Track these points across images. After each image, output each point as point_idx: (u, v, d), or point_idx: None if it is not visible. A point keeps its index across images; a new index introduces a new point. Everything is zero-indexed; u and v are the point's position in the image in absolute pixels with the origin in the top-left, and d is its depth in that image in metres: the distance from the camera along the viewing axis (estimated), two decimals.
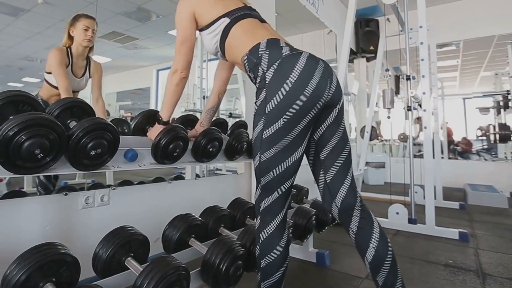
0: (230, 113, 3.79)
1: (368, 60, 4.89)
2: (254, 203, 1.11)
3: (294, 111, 0.92)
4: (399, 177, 2.95)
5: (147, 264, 0.95)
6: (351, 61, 4.82)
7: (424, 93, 2.59)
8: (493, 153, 5.69)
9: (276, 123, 0.93)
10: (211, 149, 1.34)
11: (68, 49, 1.88)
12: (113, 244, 1.00)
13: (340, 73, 2.67)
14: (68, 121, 0.96)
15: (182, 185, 1.93)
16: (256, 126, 0.99)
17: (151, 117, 1.24)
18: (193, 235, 1.25)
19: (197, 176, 2.21)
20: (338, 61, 2.87)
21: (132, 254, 1.03)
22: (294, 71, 0.92)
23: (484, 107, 5.43)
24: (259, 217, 1.05)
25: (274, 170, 0.97)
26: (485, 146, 6.27)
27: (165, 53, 6.90)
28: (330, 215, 1.81)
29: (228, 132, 1.63)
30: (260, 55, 0.99)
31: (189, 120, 1.49)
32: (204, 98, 3.65)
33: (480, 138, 6.12)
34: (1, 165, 0.77)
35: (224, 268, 1.08)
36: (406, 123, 2.82)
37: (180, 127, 1.17)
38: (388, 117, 3.29)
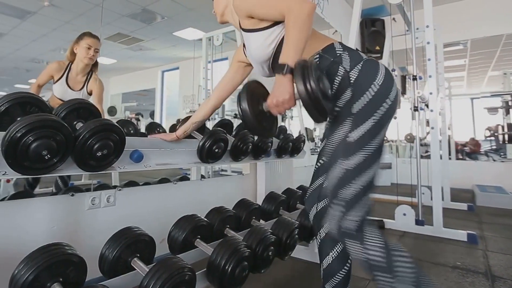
0: (235, 114, 3.79)
1: None
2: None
3: (381, 112, 0.89)
4: (406, 178, 2.92)
5: (153, 264, 0.95)
6: None
7: (431, 93, 2.57)
8: (501, 153, 5.60)
9: (365, 123, 0.88)
10: (216, 150, 1.34)
11: (70, 63, 1.96)
12: (119, 245, 1.00)
13: None
14: (75, 123, 0.96)
15: (187, 186, 1.93)
16: (336, 129, 0.93)
17: (255, 92, 0.91)
18: (199, 236, 1.25)
19: (203, 177, 2.21)
20: None
21: (138, 255, 1.03)
22: (379, 75, 0.90)
23: (493, 107, 5.35)
24: (367, 236, 0.88)
25: (362, 178, 0.88)
26: (494, 147, 6.18)
27: (170, 54, 6.94)
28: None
29: (233, 133, 1.63)
30: (338, 54, 0.95)
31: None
32: None
33: (488, 138, 6.04)
34: (9, 166, 0.77)
35: (229, 269, 1.07)
36: (413, 124, 2.79)
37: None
38: (395, 118, 3.26)
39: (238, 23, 1.04)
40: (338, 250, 1.07)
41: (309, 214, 1.13)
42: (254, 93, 0.90)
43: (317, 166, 1.12)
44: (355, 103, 0.90)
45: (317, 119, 0.85)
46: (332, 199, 0.91)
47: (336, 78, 0.93)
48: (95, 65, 2.04)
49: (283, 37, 0.96)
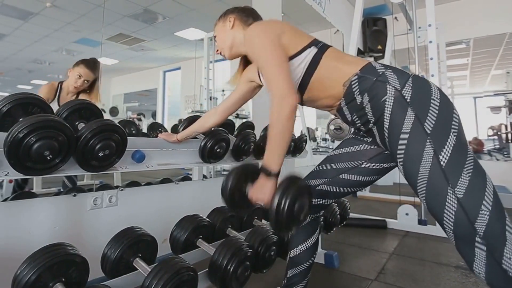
0: (237, 114, 3.79)
1: (376, 59, 4.83)
2: None
3: (456, 123, 0.80)
4: None
5: (155, 264, 0.95)
6: None
7: None
8: (505, 153, 5.56)
9: (448, 139, 0.77)
10: (218, 150, 1.34)
11: (60, 84, 1.93)
12: (121, 245, 1.00)
13: None
14: (77, 123, 0.96)
15: (189, 186, 1.93)
16: (417, 156, 0.79)
17: (249, 174, 0.94)
18: (201, 236, 1.25)
19: (204, 177, 2.21)
20: None
21: (140, 255, 1.03)
22: (433, 89, 0.83)
23: (496, 106, 5.32)
24: None
25: (485, 202, 0.75)
26: (497, 146, 6.14)
27: (172, 54, 6.95)
28: (338, 216, 1.79)
29: (235, 133, 1.63)
30: (381, 72, 0.87)
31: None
32: (211, 99, 3.65)
33: (491, 137, 6.00)
34: (12, 167, 0.77)
35: (231, 269, 1.07)
36: None
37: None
38: None
39: None
40: (307, 245, 1.13)
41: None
42: (247, 173, 0.94)
43: (321, 168, 1.10)
44: (426, 123, 0.79)
45: (275, 228, 0.88)
46: (472, 240, 0.75)
47: (388, 100, 0.84)
48: (91, 86, 1.96)
49: (309, 64, 0.92)
